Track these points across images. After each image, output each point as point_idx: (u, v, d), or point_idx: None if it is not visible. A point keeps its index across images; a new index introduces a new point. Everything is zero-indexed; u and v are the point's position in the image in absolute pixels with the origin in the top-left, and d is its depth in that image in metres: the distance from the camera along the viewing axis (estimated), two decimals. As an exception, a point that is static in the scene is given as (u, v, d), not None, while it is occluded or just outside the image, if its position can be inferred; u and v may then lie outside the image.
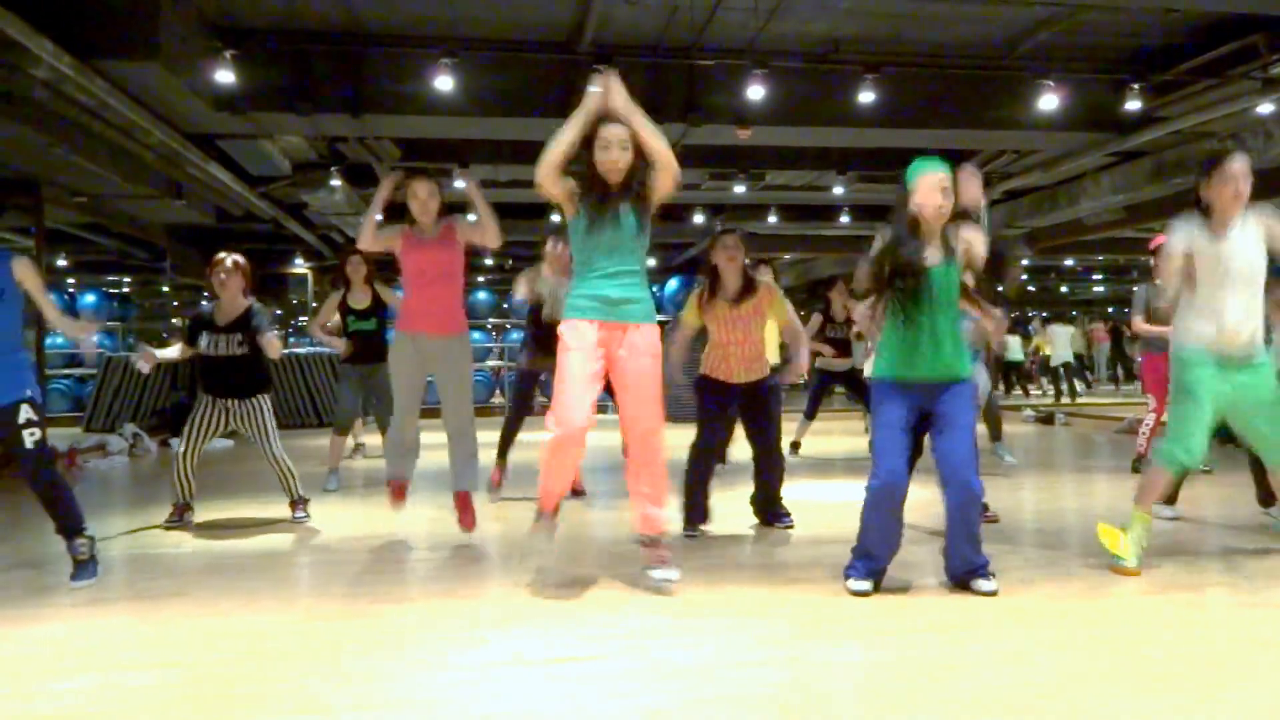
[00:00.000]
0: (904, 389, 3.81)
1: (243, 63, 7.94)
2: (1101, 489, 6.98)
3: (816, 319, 8.41)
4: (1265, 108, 9.04)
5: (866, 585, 3.82)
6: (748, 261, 5.14)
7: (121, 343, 16.32)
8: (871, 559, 3.85)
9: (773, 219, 15.84)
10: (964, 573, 3.86)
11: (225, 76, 7.83)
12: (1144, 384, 7.40)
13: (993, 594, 3.74)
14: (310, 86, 8.63)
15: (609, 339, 3.88)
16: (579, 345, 3.85)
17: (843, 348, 8.57)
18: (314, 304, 18.29)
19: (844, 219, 15.63)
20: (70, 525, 4.17)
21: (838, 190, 13.25)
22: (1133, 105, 9.23)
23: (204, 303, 5.57)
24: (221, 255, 5.56)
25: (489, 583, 4.10)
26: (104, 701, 2.76)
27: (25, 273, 4.11)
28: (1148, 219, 14.30)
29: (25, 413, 4.01)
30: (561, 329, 3.92)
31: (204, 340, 5.43)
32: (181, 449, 5.47)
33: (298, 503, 5.71)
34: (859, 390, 8.72)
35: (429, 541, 4.99)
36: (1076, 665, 2.95)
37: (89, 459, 8.95)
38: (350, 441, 8.66)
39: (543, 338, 5.90)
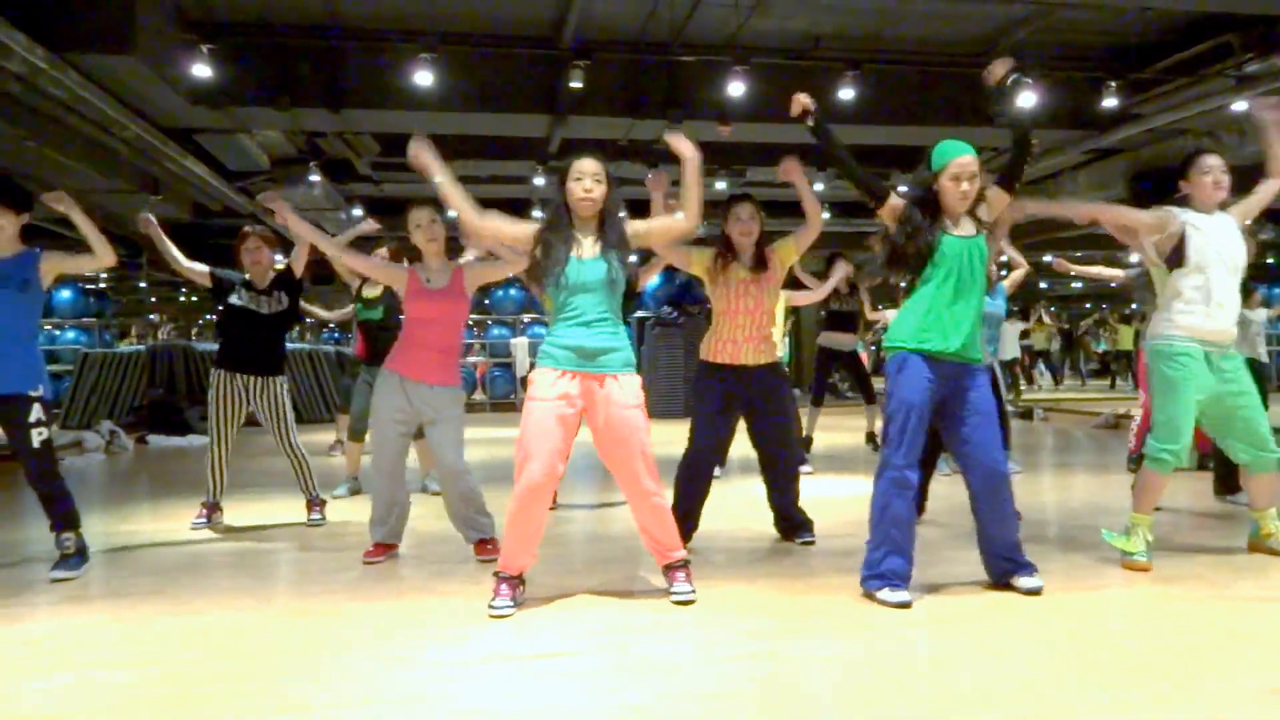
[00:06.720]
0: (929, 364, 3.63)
1: (220, 57, 7.88)
2: (1079, 482, 7.06)
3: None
4: (1240, 105, 9.13)
5: (906, 595, 3.52)
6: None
7: (99, 339, 16.09)
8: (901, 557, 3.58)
9: (753, 215, 15.85)
10: (1003, 572, 3.72)
11: (202, 71, 7.77)
12: (1138, 380, 7.30)
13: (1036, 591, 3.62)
14: (289, 81, 8.59)
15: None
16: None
17: (846, 322, 8.13)
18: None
19: (825, 215, 15.66)
20: (68, 523, 4.20)
21: (819, 187, 13.28)
22: (1109, 103, 9.31)
23: (233, 271, 5.42)
24: (247, 229, 5.42)
25: (467, 580, 4.09)
26: (80, 700, 2.74)
27: (51, 260, 4.32)
28: (1124, 216, 14.43)
29: (36, 412, 4.10)
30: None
31: (241, 296, 5.23)
32: (212, 439, 5.28)
33: (314, 503, 5.49)
34: (859, 376, 8.63)
35: (407, 539, 4.95)
36: (1055, 658, 2.98)
37: (64, 456, 8.87)
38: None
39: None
